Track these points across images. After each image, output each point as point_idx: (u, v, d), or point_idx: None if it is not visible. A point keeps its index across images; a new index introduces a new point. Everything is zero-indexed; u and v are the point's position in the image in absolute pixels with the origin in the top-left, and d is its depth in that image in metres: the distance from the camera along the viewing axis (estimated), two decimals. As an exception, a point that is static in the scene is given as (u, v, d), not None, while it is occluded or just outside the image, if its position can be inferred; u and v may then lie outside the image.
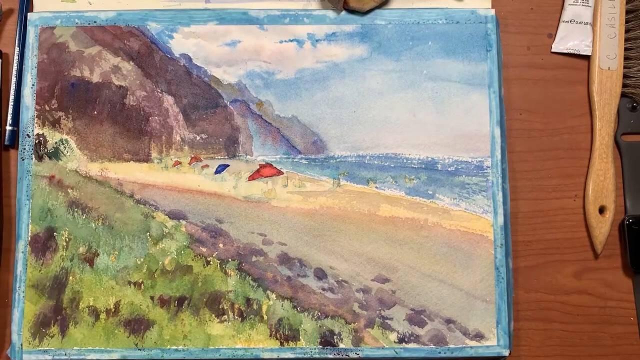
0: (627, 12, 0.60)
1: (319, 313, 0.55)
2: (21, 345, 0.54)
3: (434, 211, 0.56)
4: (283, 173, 0.57)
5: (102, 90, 0.58)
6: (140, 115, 0.57)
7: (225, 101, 0.58)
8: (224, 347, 0.55)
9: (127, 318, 0.55)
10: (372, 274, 0.56)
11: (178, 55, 0.58)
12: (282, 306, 0.55)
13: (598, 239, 0.58)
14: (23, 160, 0.56)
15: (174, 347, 0.55)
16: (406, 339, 0.55)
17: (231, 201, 0.57)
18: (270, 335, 0.55)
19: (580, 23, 0.60)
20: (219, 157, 0.57)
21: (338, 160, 0.57)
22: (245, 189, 0.57)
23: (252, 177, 0.57)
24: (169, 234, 0.56)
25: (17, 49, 0.59)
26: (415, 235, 0.56)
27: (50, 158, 0.57)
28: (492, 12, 0.58)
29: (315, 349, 0.55)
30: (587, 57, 0.60)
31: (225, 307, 0.55)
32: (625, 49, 0.60)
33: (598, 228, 0.58)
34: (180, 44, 0.58)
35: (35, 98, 0.57)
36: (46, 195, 0.56)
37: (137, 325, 0.55)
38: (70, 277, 0.55)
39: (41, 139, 0.57)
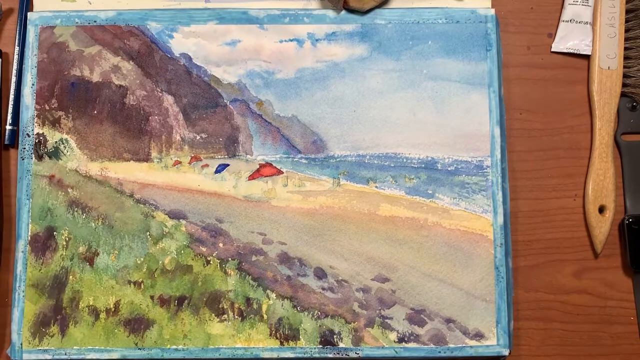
0: (627, 11, 0.60)
1: (319, 312, 0.55)
2: (21, 344, 0.54)
3: (434, 211, 0.56)
4: (283, 172, 0.57)
5: (102, 90, 0.58)
6: (140, 115, 0.57)
7: (225, 101, 0.58)
8: (224, 346, 0.55)
9: (127, 317, 0.55)
10: (372, 273, 0.56)
11: (178, 55, 0.58)
12: (282, 306, 0.55)
13: (598, 239, 0.58)
14: (23, 159, 0.56)
15: (174, 347, 0.55)
16: (406, 339, 0.55)
17: (231, 201, 0.57)
18: (270, 335, 0.55)
19: (580, 23, 0.60)
20: (219, 156, 0.57)
21: (338, 159, 0.57)
22: (245, 188, 0.57)
23: (252, 177, 0.57)
24: (169, 234, 0.56)
25: (17, 49, 0.59)
26: (415, 234, 0.56)
27: (50, 157, 0.57)
28: (492, 11, 0.58)
29: (315, 348, 0.55)
30: (587, 57, 0.60)
31: (225, 307, 0.55)
32: (625, 49, 0.60)
33: (598, 228, 0.58)
34: (180, 43, 0.58)
35: (35, 97, 0.57)
36: (46, 195, 0.56)
37: (137, 324, 0.55)
38: (70, 277, 0.55)
39: (41, 138, 0.57)
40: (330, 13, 0.59)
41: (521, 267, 0.58)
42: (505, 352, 0.55)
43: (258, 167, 0.57)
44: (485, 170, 0.57)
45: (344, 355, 0.55)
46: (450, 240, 0.56)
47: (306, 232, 0.56)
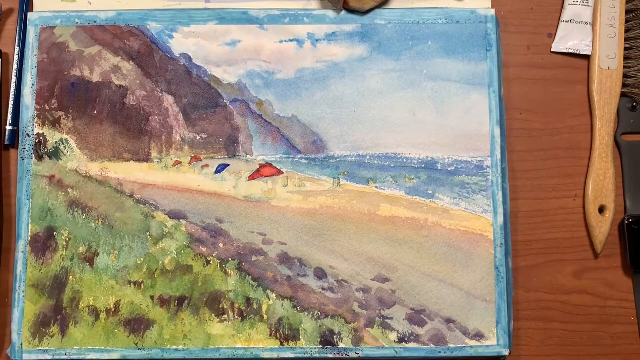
0: (627, 11, 0.60)
1: (319, 313, 0.55)
2: (21, 344, 0.54)
3: (434, 211, 0.56)
4: (283, 173, 0.57)
5: (102, 90, 0.58)
6: (140, 115, 0.57)
7: (225, 101, 0.58)
8: (224, 346, 0.55)
9: (127, 318, 0.55)
10: (372, 273, 0.56)
11: (178, 55, 0.58)
12: (282, 306, 0.55)
13: (598, 239, 0.58)
14: (23, 160, 0.56)
15: (174, 347, 0.55)
16: (406, 339, 0.55)
17: (231, 201, 0.57)
18: (270, 335, 0.55)
19: (580, 23, 0.60)
20: (219, 156, 0.57)
21: (338, 160, 0.57)
22: (245, 188, 0.57)
23: (252, 177, 0.57)
24: (169, 234, 0.56)
25: (17, 49, 0.59)
26: (415, 235, 0.56)
27: (50, 158, 0.57)
28: (492, 11, 0.58)
29: (315, 348, 0.55)
30: (587, 57, 0.60)
31: (225, 307, 0.55)
32: (625, 49, 0.60)
33: (598, 228, 0.58)
34: (180, 43, 0.58)
35: (35, 98, 0.57)
36: (46, 195, 0.56)
37: (137, 325, 0.55)
38: (71, 277, 0.55)
39: (41, 138, 0.57)
40: (330, 13, 0.59)
41: (521, 267, 0.58)
42: (505, 352, 0.55)
43: (258, 167, 0.57)
44: (486, 171, 0.57)
45: (344, 356, 0.55)
46: (450, 240, 0.56)
47: (306, 232, 0.56)
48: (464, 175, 0.57)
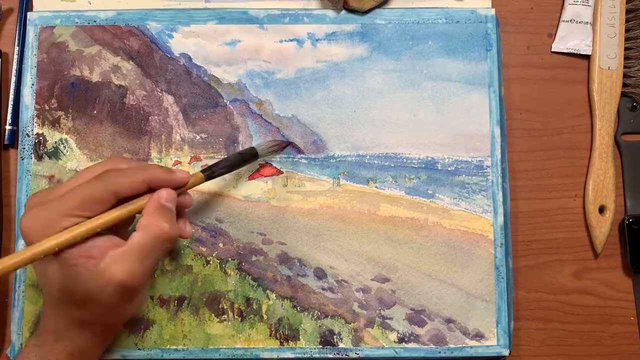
0: (627, 11, 0.60)
1: (319, 313, 0.55)
2: (21, 344, 0.54)
3: (434, 211, 0.56)
4: (283, 172, 0.57)
5: (102, 90, 0.58)
6: (140, 115, 0.57)
7: (225, 100, 0.58)
8: (224, 346, 0.55)
9: (126, 318, 0.55)
10: (372, 273, 0.56)
11: (178, 55, 0.58)
12: (282, 306, 0.55)
13: (598, 239, 0.58)
14: (23, 159, 0.56)
15: (174, 347, 0.55)
16: (406, 339, 0.55)
17: (231, 201, 0.56)
18: (270, 335, 0.55)
19: (580, 23, 0.60)
20: (219, 156, 0.57)
21: (338, 159, 0.57)
22: (245, 188, 0.57)
23: (252, 177, 0.57)
24: (168, 234, 0.56)
25: (16, 49, 0.59)
26: (415, 235, 0.56)
27: (49, 157, 0.57)
28: (492, 11, 0.58)
29: (315, 348, 0.55)
30: (587, 57, 0.60)
31: (225, 307, 0.55)
32: (625, 49, 0.60)
33: (598, 228, 0.58)
34: (180, 43, 0.58)
35: (34, 97, 0.57)
36: (46, 195, 0.56)
37: (137, 324, 0.55)
38: (70, 277, 0.55)
39: (41, 138, 0.57)
40: (330, 13, 0.59)
41: (521, 267, 0.58)
42: (505, 352, 0.55)
43: (258, 167, 0.57)
44: (486, 171, 0.57)
45: (344, 356, 0.55)
46: (450, 240, 0.56)
47: (306, 232, 0.56)
48: (464, 175, 0.57)
